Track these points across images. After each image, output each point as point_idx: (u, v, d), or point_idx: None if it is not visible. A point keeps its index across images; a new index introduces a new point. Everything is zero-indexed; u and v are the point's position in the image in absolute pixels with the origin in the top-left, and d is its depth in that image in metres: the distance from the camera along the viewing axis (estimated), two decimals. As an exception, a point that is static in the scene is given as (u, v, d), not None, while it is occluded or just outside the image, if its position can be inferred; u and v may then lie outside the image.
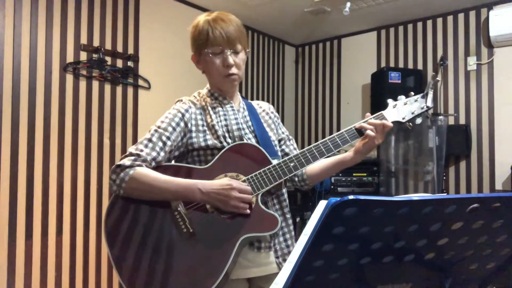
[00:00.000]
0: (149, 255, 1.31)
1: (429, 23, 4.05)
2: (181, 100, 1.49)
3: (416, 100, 1.39)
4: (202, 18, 1.44)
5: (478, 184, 3.71)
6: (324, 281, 0.71)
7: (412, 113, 1.38)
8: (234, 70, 1.42)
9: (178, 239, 1.31)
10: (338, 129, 4.59)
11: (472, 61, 3.77)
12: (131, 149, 1.36)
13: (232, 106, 1.48)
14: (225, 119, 1.44)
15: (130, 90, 3.26)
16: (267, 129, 1.52)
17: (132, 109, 3.28)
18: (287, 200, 1.52)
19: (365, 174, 3.73)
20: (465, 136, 3.69)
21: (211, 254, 1.28)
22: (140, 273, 1.31)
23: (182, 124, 1.40)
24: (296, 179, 1.57)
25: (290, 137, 1.64)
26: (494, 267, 0.88)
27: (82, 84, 2.97)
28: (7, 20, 2.62)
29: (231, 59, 1.40)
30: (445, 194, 3.61)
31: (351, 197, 0.61)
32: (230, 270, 1.31)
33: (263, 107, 1.61)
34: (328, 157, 1.41)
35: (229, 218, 1.31)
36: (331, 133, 4.66)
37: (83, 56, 2.97)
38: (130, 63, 3.23)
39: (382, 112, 1.39)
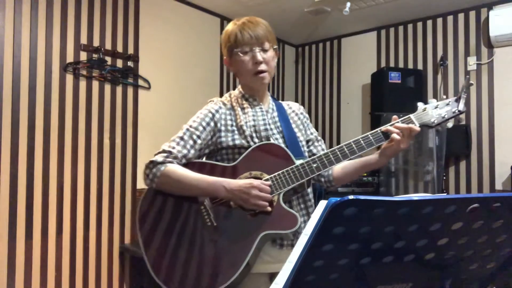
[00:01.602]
0: (175, 244, 1.40)
1: (429, 23, 4.05)
2: (213, 101, 1.56)
3: (448, 104, 1.38)
4: (231, 24, 1.53)
5: (478, 184, 3.71)
6: (324, 281, 0.71)
7: (443, 117, 1.37)
8: (263, 66, 1.48)
9: (203, 231, 1.40)
10: (338, 129, 4.59)
11: (472, 61, 3.77)
12: (164, 146, 1.46)
13: (261, 107, 1.54)
14: (253, 120, 1.49)
15: (130, 90, 3.26)
16: (296, 129, 1.57)
17: (132, 109, 3.28)
18: (312, 200, 1.56)
19: (365, 174, 3.73)
20: (465, 136, 3.68)
21: (233, 247, 1.36)
22: (166, 261, 1.40)
23: (212, 123, 1.47)
24: (323, 179, 1.61)
25: (319, 138, 1.67)
26: (494, 267, 0.88)
27: (82, 84, 2.97)
28: (7, 20, 2.62)
29: (259, 55, 1.46)
30: (445, 194, 3.61)
31: (351, 197, 0.61)
32: (252, 263, 1.37)
33: (293, 107, 1.66)
34: (352, 159, 1.43)
35: (251, 214, 1.37)
36: (330, 133, 4.67)
37: (83, 56, 2.97)
38: (130, 63, 3.23)
39: (410, 115, 1.39)
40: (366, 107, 4.35)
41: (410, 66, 4.13)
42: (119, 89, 3.19)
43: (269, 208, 1.35)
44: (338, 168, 1.56)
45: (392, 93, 3.75)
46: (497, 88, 3.66)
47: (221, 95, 3.98)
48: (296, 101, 4.95)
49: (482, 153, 3.69)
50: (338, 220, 0.63)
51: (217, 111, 1.49)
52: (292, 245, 1.44)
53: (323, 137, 4.70)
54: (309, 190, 1.53)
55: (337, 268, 0.70)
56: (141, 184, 3.30)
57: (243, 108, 1.52)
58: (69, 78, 2.90)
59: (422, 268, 0.80)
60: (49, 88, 2.79)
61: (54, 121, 2.80)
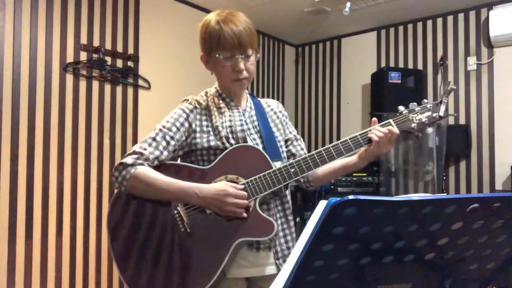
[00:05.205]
0: (147, 251, 1.34)
1: (429, 23, 4.05)
2: (187, 100, 1.49)
3: (429, 109, 1.33)
4: (212, 18, 1.41)
5: (478, 184, 3.71)
6: (324, 281, 0.71)
7: (423, 122, 1.33)
8: (244, 74, 1.40)
9: (176, 238, 1.33)
10: (338, 129, 4.59)
11: (472, 61, 3.77)
12: (135, 147, 1.38)
13: (238, 107, 1.48)
14: (230, 120, 1.43)
15: (130, 90, 3.26)
16: (274, 129, 1.51)
17: (132, 109, 3.27)
18: (290, 202, 1.52)
19: (365, 174, 3.73)
20: (465, 136, 3.69)
21: (207, 254, 1.31)
22: (138, 269, 1.34)
23: (186, 124, 1.41)
24: (302, 180, 1.56)
25: (298, 136, 1.62)
26: (494, 267, 0.88)
27: (82, 84, 2.97)
28: (7, 20, 2.62)
29: (242, 64, 1.38)
30: (445, 194, 3.61)
31: (351, 197, 0.61)
32: (227, 269, 1.33)
33: (271, 106, 1.59)
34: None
35: (226, 220, 1.32)
36: (330, 133, 4.67)
37: (83, 56, 2.97)
38: (130, 63, 3.23)
39: (390, 120, 1.36)
40: (366, 107, 4.35)
41: (410, 66, 4.13)
42: (119, 89, 3.19)
43: (245, 215, 1.31)
44: (317, 169, 1.50)
45: (392, 93, 3.75)
46: (497, 88, 3.66)
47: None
48: (296, 101, 4.96)
49: (482, 153, 3.69)
50: (338, 220, 0.63)
51: (191, 111, 1.43)
52: (269, 248, 1.41)
53: (323, 137, 4.70)
54: (287, 192, 1.49)
55: (337, 268, 0.70)
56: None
57: (219, 108, 1.45)
58: (69, 78, 2.90)
59: (422, 268, 0.80)
60: (49, 88, 2.79)
61: (54, 121, 2.80)
